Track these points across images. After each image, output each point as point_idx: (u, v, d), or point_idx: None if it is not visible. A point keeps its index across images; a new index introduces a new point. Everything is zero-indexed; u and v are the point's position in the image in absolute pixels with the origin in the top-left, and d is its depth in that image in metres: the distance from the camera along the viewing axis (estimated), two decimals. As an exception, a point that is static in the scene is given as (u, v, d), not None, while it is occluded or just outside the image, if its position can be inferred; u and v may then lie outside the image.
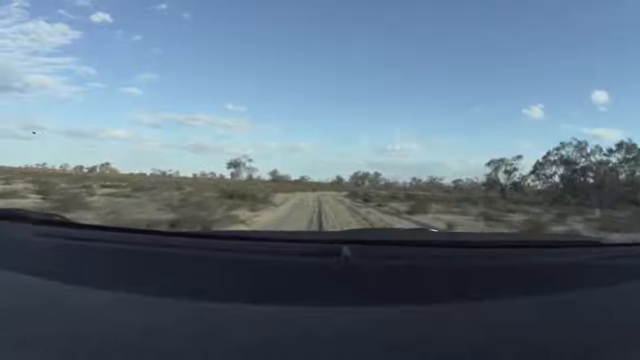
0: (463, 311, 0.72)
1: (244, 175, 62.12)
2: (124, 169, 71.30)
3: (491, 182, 42.46)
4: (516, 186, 41.84)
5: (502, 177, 42.10)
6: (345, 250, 0.85)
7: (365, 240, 1.01)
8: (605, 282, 0.88)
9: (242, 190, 19.29)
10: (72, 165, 76.82)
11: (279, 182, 68.26)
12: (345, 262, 0.83)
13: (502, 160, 42.03)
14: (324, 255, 0.87)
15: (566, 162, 32.88)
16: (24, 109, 66.75)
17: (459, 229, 10.16)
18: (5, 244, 1.02)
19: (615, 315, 0.75)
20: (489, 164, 42.50)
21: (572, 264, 0.97)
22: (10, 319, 0.68)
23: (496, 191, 40.95)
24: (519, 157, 42.19)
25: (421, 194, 39.55)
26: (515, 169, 41.79)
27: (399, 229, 5.59)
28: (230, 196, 17.12)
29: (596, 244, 1.25)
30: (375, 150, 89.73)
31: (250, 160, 63.71)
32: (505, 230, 10.36)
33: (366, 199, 30.45)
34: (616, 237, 8.53)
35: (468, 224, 12.69)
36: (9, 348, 0.60)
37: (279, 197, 25.11)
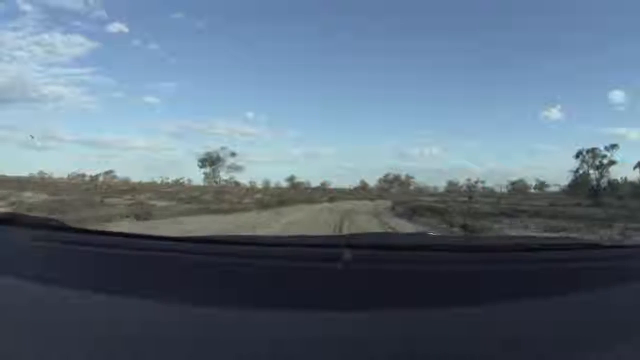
0: (464, 315, 0.73)
1: (224, 177, 41.28)
2: (138, 178, 65.32)
3: (582, 182, 32.08)
4: (612, 185, 31.72)
5: (593, 174, 31.94)
6: (347, 254, 0.85)
7: (366, 245, 1.01)
8: (606, 284, 0.89)
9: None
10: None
11: (297, 189, 60.11)
12: (346, 267, 0.84)
13: (593, 151, 32.00)
14: (325, 259, 0.87)
15: None
16: (40, 119, 63.60)
17: None
18: (3, 248, 1.01)
19: (616, 318, 0.76)
20: (577, 156, 32.45)
21: (572, 266, 0.97)
22: (7, 323, 0.69)
23: (584, 193, 30.79)
24: (614, 146, 32.03)
25: (545, 206, 27.47)
26: (612, 163, 31.61)
27: (400, 233, 5.32)
28: None
29: (596, 246, 1.27)
30: (398, 155, 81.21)
31: (233, 154, 41.31)
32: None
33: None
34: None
35: None
36: (5, 352, 0.61)
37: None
